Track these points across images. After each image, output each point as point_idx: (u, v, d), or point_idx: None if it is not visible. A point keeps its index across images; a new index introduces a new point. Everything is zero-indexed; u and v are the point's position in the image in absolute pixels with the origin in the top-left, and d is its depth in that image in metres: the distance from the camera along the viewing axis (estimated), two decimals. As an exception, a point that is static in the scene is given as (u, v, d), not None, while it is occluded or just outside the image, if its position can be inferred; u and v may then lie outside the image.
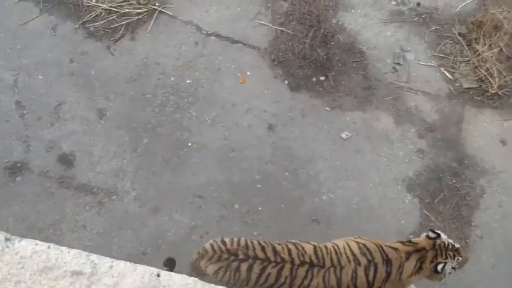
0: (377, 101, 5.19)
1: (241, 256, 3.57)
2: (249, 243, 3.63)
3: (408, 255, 3.73)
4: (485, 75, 5.20)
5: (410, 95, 5.24)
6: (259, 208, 4.76)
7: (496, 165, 4.97)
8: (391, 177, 4.91)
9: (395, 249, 3.75)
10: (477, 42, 5.33)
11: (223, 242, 3.63)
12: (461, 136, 5.09)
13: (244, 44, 5.43)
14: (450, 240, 3.81)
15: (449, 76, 5.31)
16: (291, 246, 3.68)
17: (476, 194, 4.87)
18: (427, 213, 4.76)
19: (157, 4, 5.58)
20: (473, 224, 4.77)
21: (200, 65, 5.32)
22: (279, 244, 3.69)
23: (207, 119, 5.10)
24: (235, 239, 3.66)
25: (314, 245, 3.74)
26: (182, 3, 5.64)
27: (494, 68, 5.19)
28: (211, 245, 3.63)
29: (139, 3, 5.54)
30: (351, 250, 3.73)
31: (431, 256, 3.73)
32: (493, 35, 5.32)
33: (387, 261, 3.69)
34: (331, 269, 3.63)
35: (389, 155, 4.99)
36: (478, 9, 5.62)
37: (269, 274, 3.57)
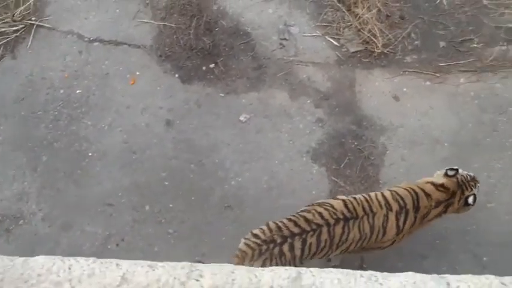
0: (269, 79, 5.23)
1: (279, 240, 3.55)
2: (280, 224, 3.62)
3: (438, 204, 3.86)
4: (368, 36, 5.32)
5: (301, 68, 5.30)
6: (171, 205, 4.73)
7: (393, 121, 5.09)
8: (295, 151, 4.97)
9: (428, 195, 3.86)
10: (356, 6, 5.44)
11: (255, 235, 3.60)
12: (356, 99, 5.20)
13: (129, 45, 5.35)
14: (465, 172, 3.96)
15: (335, 43, 5.40)
16: (319, 209, 3.69)
17: (379, 152, 4.99)
18: (336, 180, 4.85)
19: (33, 19, 5.40)
20: (381, 182, 4.88)
21: (88, 73, 5.21)
22: (308, 212, 3.70)
23: (103, 125, 5.01)
24: (264, 227, 3.64)
25: (343, 199, 3.78)
26: (59, 13, 5.49)
27: (376, 29, 5.32)
28: (247, 244, 3.59)
29: (14, 21, 5.35)
30: (384, 196, 3.82)
31: (458, 196, 3.87)
32: (369, -4, 5.45)
33: (417, 208, 3.81)
34: (365, 217, 3.70)
35: (290, 130, 5.04)
36: (346, -26, 5.72)
37: (310, 244, 3.58)
